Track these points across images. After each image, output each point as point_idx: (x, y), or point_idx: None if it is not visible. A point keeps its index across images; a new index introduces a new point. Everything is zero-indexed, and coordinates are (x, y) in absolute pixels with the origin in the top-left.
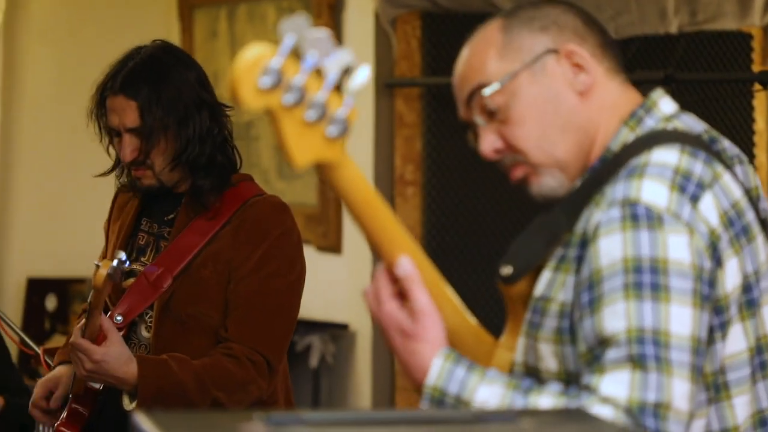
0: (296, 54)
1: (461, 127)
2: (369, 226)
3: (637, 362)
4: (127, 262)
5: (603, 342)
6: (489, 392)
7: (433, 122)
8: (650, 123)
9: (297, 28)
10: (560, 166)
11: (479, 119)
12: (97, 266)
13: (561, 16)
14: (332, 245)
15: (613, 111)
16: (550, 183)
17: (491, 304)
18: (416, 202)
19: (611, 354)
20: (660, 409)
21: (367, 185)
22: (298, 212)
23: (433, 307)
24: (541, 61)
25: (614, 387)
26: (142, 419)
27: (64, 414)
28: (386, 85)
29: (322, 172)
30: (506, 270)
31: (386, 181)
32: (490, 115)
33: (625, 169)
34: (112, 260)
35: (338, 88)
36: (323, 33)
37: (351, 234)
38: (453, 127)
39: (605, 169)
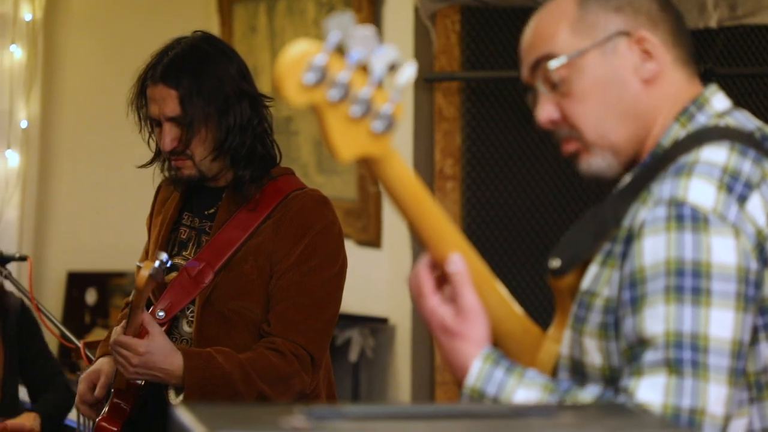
0: (341, 51)
1: (522, 90)
2: (416, 220)
3: (674, 367)
4: (169, 262)
5: (642, 342)
6: (526, 395)
7: (472, 116)
8: (701, 119)
9: (342, 25)
10: (613, 149)
11: (542, 87)
12: (139, 267)
13: None
14: (372, 239)
15: (675, 103)
16: (599, 163)
17: (530, 297)
18: (455, 197)
19: (649, 356)
20: (695, 415)
21: (413, 180)
22: (337, 206)
23: (480, 306)
24: (612, 42)
25: (650, 393)
26: (182, 413)
27: (106, 409)
28: (426, 80)
29: (368, 167)
30: (554, 263)
31: (426, 176)
32: (553, 86)
33: (674, 165)
34: (154, 261)
35: (383, 84)
36: (369, 30)
37: (390, 228)
38: (492, 121)
39: (654, 165)
